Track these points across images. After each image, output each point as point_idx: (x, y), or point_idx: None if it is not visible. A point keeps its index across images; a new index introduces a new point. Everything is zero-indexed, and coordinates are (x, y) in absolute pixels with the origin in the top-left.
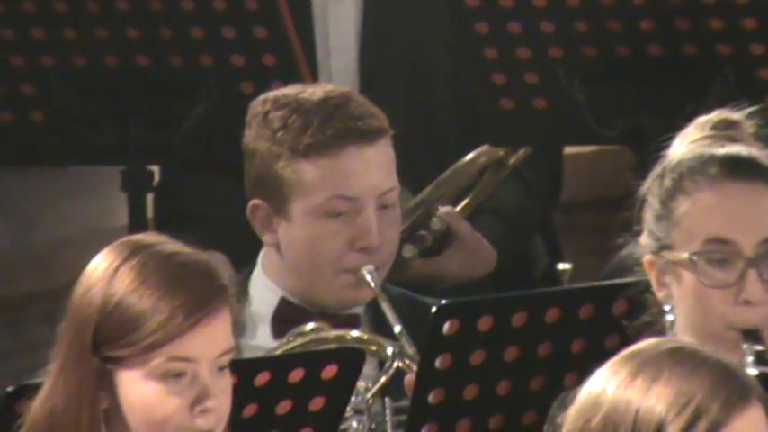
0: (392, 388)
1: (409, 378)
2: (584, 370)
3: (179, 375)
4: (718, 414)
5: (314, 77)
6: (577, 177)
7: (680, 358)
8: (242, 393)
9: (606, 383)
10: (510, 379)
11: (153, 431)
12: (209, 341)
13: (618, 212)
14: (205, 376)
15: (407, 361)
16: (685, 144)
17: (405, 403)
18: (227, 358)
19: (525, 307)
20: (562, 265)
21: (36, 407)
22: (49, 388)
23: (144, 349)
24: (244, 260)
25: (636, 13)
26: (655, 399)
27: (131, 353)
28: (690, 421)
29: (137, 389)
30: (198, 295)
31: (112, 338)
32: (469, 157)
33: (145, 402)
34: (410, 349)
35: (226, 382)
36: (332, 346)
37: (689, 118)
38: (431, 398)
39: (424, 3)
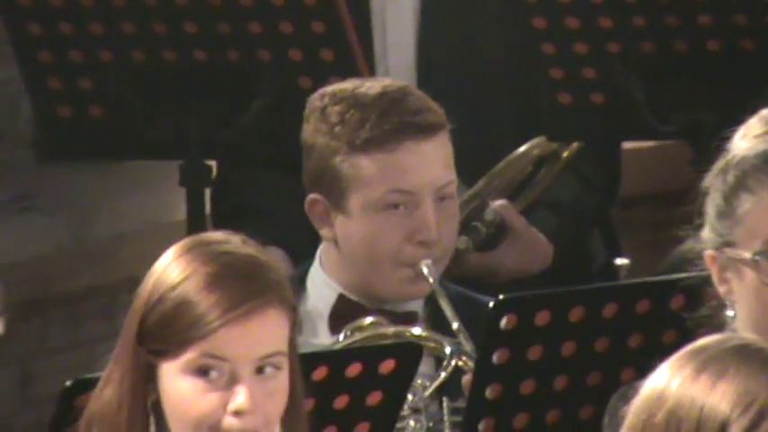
0: (449, 388)
1: (467, 378)
2: (641, 365)
3: (214, 373)
4: None
5: (371, 74)
6: (635, 172)
7: (746, 356)
8: None
9: (670, 379)
10: (567, 374)
11: (189, 427)
12: (247, 341)
13: (675, 207)
14: (242, 377)
15: (465, 359)
16: (748, 138)
17: (462, 404)
18: (273, 360)
19: (582, 302)
20: (620, 260)
21: (92, 400)
22: (104, 380)
23: (179, 343)
24: (303, 255)
25: (694, 8)
26: (719, 396)
27: (168, 347)
28: (754, 420)
29: (174, 383)
30: (236, 294)
31: (154, 331)
32: (523, 148)
33: (181, 398)
34: (468, 347)
35: (273, 385)
36: (390, 341)
37: (752, 111)
38: (488, 393)
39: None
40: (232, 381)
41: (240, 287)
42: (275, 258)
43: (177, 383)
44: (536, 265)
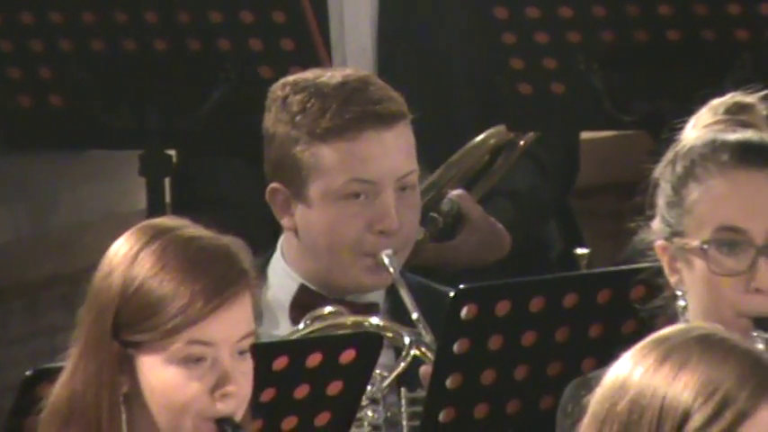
0: (408, 378)
1: (424, 369)
2: (601, 355)
3: (199, 360)
4: (745, 403)
5: (329, 58)
6: (595, 162)
7: (708, 346)
8: (260, 377)
9: (633, 368)
10: (527, 364)
11: (174, 415)
12: (230, 325)
13: (634, 197)
14: (225, 360)
15: (424, 349)
16: (698, 128)
17: (420, 394)
18: (247, 342)
19: (543, 292)
20: (580, 250)
21: (57, 391)
22: (70, 372)
23: (164, 334)
24: (262, 245)
25: None
26: (682, 386)
27: (152, 337)
28: (716, 410)
29: (157, 373)
30: (218, 280)
31: (133, 323)
32: (479, 138)
33: (165, 387)
34: (427, 337)
35: (246, 366)
36: (349, 331)
37: (704, 101)
38: (449, 383)
39: None
40: (215, 365)
41: (221, 272)
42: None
43: (160, 373)
44: (493, 255)
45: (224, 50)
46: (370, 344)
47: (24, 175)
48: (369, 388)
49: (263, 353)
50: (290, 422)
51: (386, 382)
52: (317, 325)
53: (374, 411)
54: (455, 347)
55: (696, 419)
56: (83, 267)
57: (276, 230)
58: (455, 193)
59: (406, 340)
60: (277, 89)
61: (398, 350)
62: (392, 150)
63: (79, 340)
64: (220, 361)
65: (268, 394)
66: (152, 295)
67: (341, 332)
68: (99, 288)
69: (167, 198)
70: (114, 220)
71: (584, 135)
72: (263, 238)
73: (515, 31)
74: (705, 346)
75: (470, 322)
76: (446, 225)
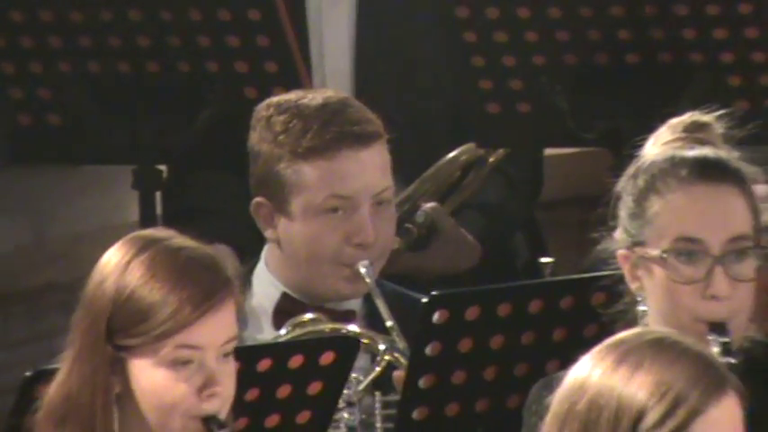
0: (382, 382)
1: (398, 373)
2: (565, 357)
3: (187, 362)
4: (696, 402)
5: (309, 79)
6: (559, 176)
7: (661, 348)
8: (245, 378)
9: (592, 370)
10: (496, 365)
11: (163, 415)
12: (215, 330)
13: (596, 209)
14: (211, 363)
15: (397, 355)
16: (658, 145)
17: (394, 397)
18: (231, 345)
19: (510, 298)
20: (544, 259)
21: (52, 391)
22: (65, 374)
23: (154, 338)
24: (249, 252)
25: (614, 23)
26: (637, 386)
27: (143, 342)
28: (669, 408)
29: (148, 375)
30: (205, 288)
31: (125, 328)
32: (452, 154)
33: (155, 388)
34: (401, 344)
35: (230, 368)
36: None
37: (663, 120)
38: (422, 383)
39: (417, 11)
40: (201, 367)
41: (207, 280)
42: (222, 253)
43: (150, 375)
44: (464, 264)
45: (212, 72)
46: (347, 347)
47: (25, 189)
48: (346, 391)
49: (247, 355)
50: (272, 420)
51: (362, 386)
52: (299, 331)
53: (350, 413)
54: (428, 350)
55: (650, 417)
56: (80, 275)
57: (262, 239)
58: (429, 205)
59: (381, 347)
60: (261, 109)
61: (374, 355)
62: (369, 168)
63: (74, 344)
64: (206, 363)
65: (252, 394)
66: (143, 302)
67: (320, 336)
68: (92, 295)
69: (158, 210)
70: (109, 230)
71: (549, 151)
72: (251, 246)
73: (484, 55)
74: (658, 348)
75: (442, 326)
76: (420, 235)
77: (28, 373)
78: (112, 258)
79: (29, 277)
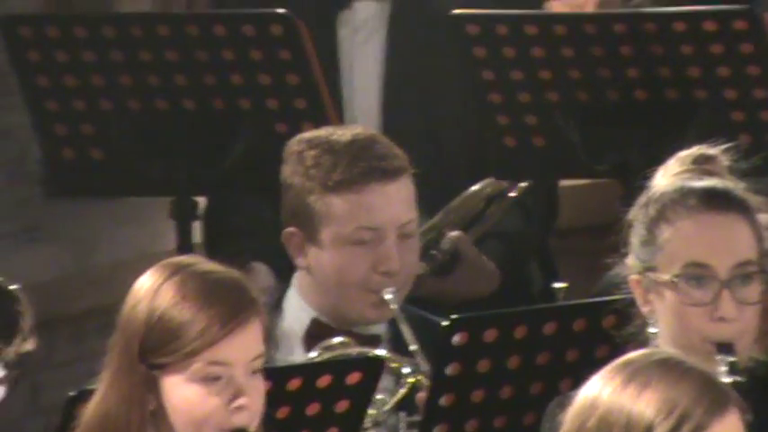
0: (407, 403)
1: (421, 395)
2: (578, 376)
3: (216, 378)
4: (700, 419)
5: (339, 115)
6: (572, 206)
7: (667, 368)
8: (276, 397)
9: (602, 389)
10: (512, 385)
11: (195, 429)
12: (243, 347)
13: (607, 237)
14: (240, 378)
15: (420, 377)
16: (668, 176)
17: (417, 418)
18: (259, 362)
19: (526, 321)
20: (558, 284)
21: (90, 410)
22: (102, 393)
23: (185, 356)
24: (286, 271)
25: (623, 62)
26: (645, 404)
27: (174, 359)
28: (675, 425)
29: (180, 392)
30: (231, 307)
31: (157, 348)
32: (476, 187)
33: (187, 403)
34: (424, 366)
35: (258, 384)
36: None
37: (670, 153)
38: (442, 401)
39: (440, 51)
40: (230, 382)
41: (233, 300)
42: (259, 270)
43: (182, 391)
44: (485, 289)
45: (244, 109)
46: (372, 367)
47: (69, 219)
48: (373, 412)
49: (278, 375)
50: None
51: (387, 407)
52: (328, 354)
53: None
54: (448, 370)
55: None
56: (120, 300)
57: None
58: (454, 234)
59: (406, 370)
60: (294, 144)
61: (399, 377)
62: (394, 201)
63: (110, 365)
64: (235, 378)
65: (283, 412)
66: (173, 322)
67: (347, 357)
68: (127, 318)
69: (194, 240)
70: (147, 258)
71: (562, 182)
72: (285, 267)
73: (501, 92)
74: (665, 368)
75: (461, 348)
76: (444, 262)
77: (72, 393)
78: (145, 283)
79: (72, 302)
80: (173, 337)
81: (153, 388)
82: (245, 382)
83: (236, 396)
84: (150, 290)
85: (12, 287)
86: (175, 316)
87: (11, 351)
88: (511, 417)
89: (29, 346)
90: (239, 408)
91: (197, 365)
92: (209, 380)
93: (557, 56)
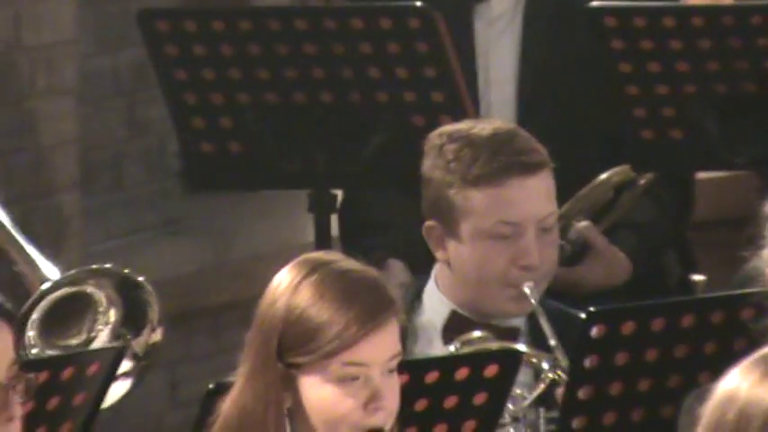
0: (546, 399)
1: (560, 391)
2: (716, 369)
3: (354, 379)
4: None
5: (476, 108)
6: (710, 199)
7: None
8: (414, 390)
9: (741, 381)
10: (650, 377)
11: (331, 428)
12: (380, 348)
13: (745, 230)
14: (377, 379)
15: (560, 372)
16: None
17: (556, 414)
18: (395, 362)
19: (663, 313)
20: (696, 277)
21: (227, 405)
22: (239, 389)
23: (322, 356)
24: (420, 267)
25: (762, 53)
26: None
27: (311, 359)
28: None
29: (316, 391)
30: (369, 308)
31: (295, 347)
32: (604, 176)
33: (324, 403)
34: (563, 361)
35: (394, 383)
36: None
37: None
38: (580, 394)
39: (576, 44)
40: (367, 382)
41: (372, 300)
42: (395, 268)
43: (319, 391)
44: (615, 280)
45: (382, 102)
46: (510, 360)
47: (208, 213)
48: (511, 407)
49: (416, 368)
50: (440, 429)
51: (526, 402)
52: (467, 348)
53: (515, 429)
54: (586, 363)
55: None
56: (259, 293)
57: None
58: (582, 224)
59: (545, 365)
60: (434, 138)
61: (538, 372)
62: (534, 195)
63: (247, 361)
64: (372, 379)
65: (421, 404)
66: (312, 322)
67: (485, 349)
68: (264, 315)
69: (333, 232)
70: (286, 251)
71: (700, 175)
72: (422, 262)
73: (638, 84)
74: None
75: (599, 340)
76: (573, 252)
77: (210, 386)
78: (283, 280)
79: (211, 295)
80: (310, 338)
81: (289, 386)
82: (382, 381)
83: (372, 396)
84: (289, 287)
85: (140, 278)
86: (314, 316)
87: (141, 341)
88: (649, 409)
89: (157, 337)
90: (376, 408)
91: (334, 366)
92: (345, 380)
93: (694, 48)
